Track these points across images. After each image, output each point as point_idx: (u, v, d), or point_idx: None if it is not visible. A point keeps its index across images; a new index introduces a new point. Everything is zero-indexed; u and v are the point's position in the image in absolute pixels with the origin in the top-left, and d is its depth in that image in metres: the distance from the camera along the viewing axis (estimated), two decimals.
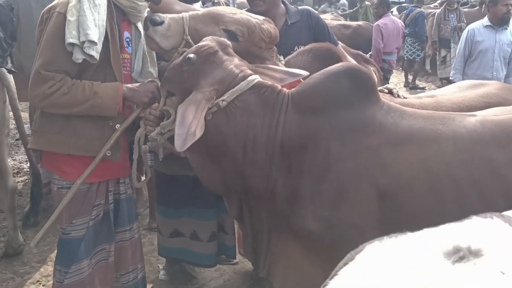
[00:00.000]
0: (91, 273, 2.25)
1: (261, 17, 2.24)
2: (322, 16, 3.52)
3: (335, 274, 0.90)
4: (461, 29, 9.20)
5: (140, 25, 2.25)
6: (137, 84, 2.13)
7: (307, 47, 2.44)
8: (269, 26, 2.19)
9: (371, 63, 4.58)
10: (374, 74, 4.52)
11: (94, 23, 1.97)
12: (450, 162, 1.71)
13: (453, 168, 1.70)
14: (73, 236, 2.20)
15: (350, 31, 9.06)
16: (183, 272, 3.22)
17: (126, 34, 2.22)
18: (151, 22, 2.04)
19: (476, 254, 0.76)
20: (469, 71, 4.97)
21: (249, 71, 1.92)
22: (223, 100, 1.81)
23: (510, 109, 1.95)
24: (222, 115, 1.82)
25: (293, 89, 1.90)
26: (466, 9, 11.64)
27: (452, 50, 9.52)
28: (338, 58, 2.35)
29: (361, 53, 4.71)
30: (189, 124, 1.71)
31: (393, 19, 7.45)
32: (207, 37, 1.98)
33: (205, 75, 1.84)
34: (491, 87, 2.49)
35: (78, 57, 1.97)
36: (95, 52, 1.98)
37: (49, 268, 3.30)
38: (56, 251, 3.41)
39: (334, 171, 1.73)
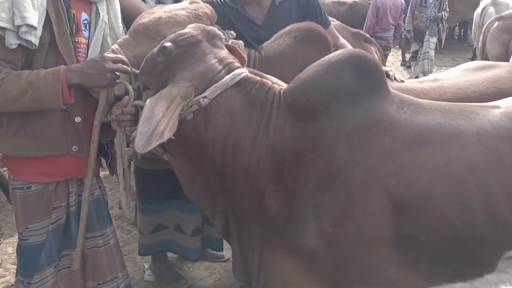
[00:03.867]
0: (55, 282, 2.06)
1: (186, 3, 2.05)
2: None
3: None
4: (441, 20, 7.98)
5: (102, 5, 1.99)
6: (84, 64, 1.83)
7: (286, 29, 2.20)
8: (201, 8, 2.01)
9: (372, 43, 4.32)
10: (375, 55, 4.29)
11: (32, 4, 1.72)
12: (476, 164, 1.48)
13: (480, 171, 1.47)
14: (31, 243, 1.99)
15: (346, 8, 8.78)
16: (171, 271, 3.05)
17: (84, 15, 1.93)
18: None
19: None
20: None
21: (237, 64, 1.67)
22: (204, 97, 1.58)
23: None
24: (201, 116, 1.59)
25: (285, 87, 1.66)
26: None
27: (425, 44, 7.92)
28: (321, 38, 2.12)
29: (361, 32, 4.44)
30: (157, 122, 1.46)
31: None
32: (190, 25, 1.74)
33: (183, 68, 1.60)
34: (502, 70, 2.28)
35: (12, 42, 1.71)
36: (34, 37, 1.73)
37: None
38: None
39: (339, 180, 1.49)
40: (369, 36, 4.53)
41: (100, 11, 1.98)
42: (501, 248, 1.48)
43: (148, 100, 1.54)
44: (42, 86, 1.72)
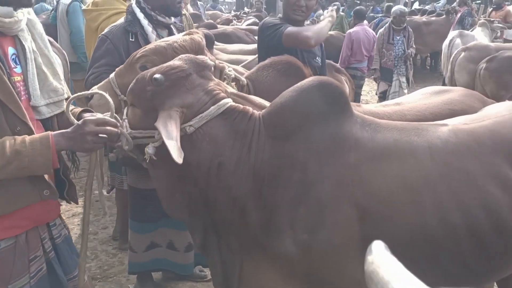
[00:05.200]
0: None
1: (180, 36, 2.24)
2: None
3: None
4: (409, 57, 7.28)
5: (24, 34, 1.80)
6: (70, 129, 1.72)
7: (267, 61, 2.42)
8: (183, 41, 2.14)
9: (342, 72, 4.61)
10: (346, 84, 4.58)
11: None
12: (428, 175, 1.68)
13: (431, 181, 1.68)
14: None
15: None
16: None
17: (11, 50, 1.75)
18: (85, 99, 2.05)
19: None
20: None
21: (222, 95, 1.80)
22: (190, 126, 1.70)
23: (478, 117, 1.96)
24: (187, 141, 1.69)
25: (263, 111, 1.82)
26: (433, 18, 11.85)
27: (395, 83, 7.19)
28: (300, 70, 2.32)
29: (332, 62, 4.72)
30: (176, 136, 1.59)
31: (365, 29, 7.49)
32: (181, 56, 1.86)
33: (173, 97, 1.72)
34: (455, 93, 2.50)
35: None
36: None
37: None
38: None
39: (312, 192, 1.66)
40: (340, 67, 4.83)
41: (23, 42, 1.78)
42: (452, 249, 1.70)
43: (157, 124, 1.62)
44: (30, 154, 1.62)
